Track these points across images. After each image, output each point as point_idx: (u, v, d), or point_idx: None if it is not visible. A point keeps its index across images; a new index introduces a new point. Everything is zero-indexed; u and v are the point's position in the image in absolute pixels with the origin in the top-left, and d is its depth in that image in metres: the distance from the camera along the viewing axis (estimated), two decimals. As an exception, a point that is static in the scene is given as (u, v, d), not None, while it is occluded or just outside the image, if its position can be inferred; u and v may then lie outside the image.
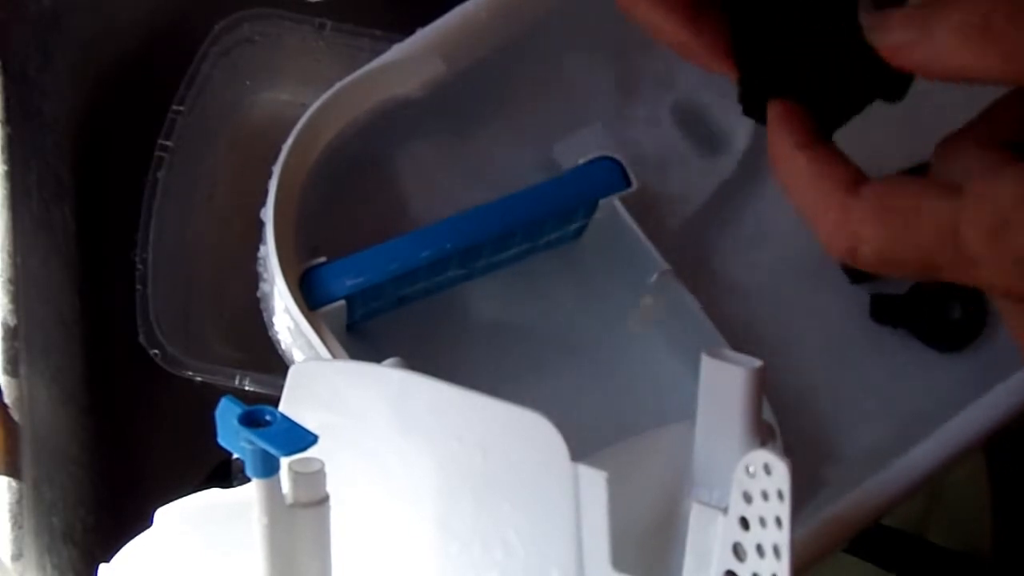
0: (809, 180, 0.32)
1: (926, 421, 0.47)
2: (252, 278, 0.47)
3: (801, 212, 0.32)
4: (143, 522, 0.39)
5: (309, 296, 0.44)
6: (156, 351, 0.57)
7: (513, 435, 0.35)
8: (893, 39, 0.30)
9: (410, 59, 0.46)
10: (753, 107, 0.35)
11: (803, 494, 0.44)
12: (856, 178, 0.31)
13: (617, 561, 0.33)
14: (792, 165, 0.32)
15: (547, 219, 0.47)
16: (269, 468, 0.33)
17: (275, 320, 0.45)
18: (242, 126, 0.66)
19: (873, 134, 0.36)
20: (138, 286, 0.58)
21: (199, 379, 0.57)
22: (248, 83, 0.66)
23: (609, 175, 0.48)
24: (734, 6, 0.34)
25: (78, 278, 0.59)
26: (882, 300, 0.51)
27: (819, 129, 0.33)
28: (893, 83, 0.33)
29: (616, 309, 0.50)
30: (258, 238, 0.45)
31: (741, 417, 0.34)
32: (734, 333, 0.48)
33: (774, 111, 0.33)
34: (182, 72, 0.62)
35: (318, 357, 0.43)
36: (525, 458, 0.35)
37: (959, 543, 0.60)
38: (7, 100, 0.53)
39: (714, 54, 0.34)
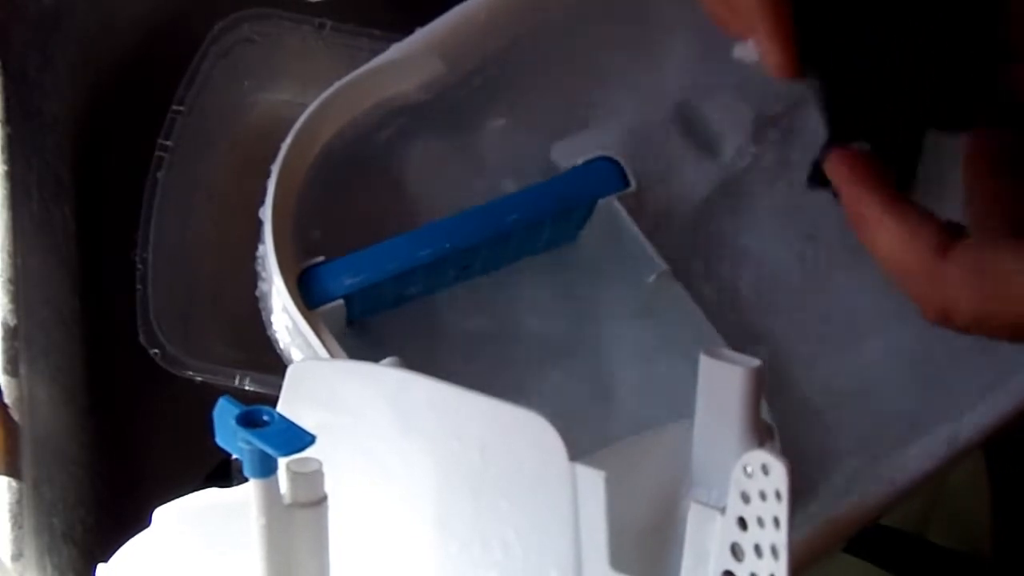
0: (899, 244, 0.31)
1: (926, 420, 0.47)
2: (252, 278, 0.47)
3: (890, 274, 0.32)
4: (143, 522, 0.39)
5: (307, 295, 0.44)
6: (156, 351, 0.57)
7: (512, 434, 0.35)
8: None
9: (409, 59, 0.46)
10: (819, 176, 0.35)
11: (801, 494, 0.44)
12: (945, 240, 0.31)
13: (615, 561, 0.33)
14: (880, 229, 0.32)
15: (546, 219, 0.47)
16: (267, 468, 0.33)
17: (273, 319, 0.45)
18: (242, 126, 0.66)
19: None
20: (138, 286, 0.58)
21: (199, 379, 0.57)
22: (248, 83, 0.66)
23: (608, 175, 0.48)
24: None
25: (78, 278, 0.60)
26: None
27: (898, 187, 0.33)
28: (959, 112, 0.33)
29: (614, 309, 0.49)
30: (258, 238, 0.45)
31: (739, 417, 0.34)
32: (733, 333, 0.48)
33: (852, 170, 0.33)
34: (182, 72, 0.62)
35: (316, 356, 0.43)
36: (524, 458, 0.35)
37: (959, 543, 0.60)
38: (7, 100, 0.53)
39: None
